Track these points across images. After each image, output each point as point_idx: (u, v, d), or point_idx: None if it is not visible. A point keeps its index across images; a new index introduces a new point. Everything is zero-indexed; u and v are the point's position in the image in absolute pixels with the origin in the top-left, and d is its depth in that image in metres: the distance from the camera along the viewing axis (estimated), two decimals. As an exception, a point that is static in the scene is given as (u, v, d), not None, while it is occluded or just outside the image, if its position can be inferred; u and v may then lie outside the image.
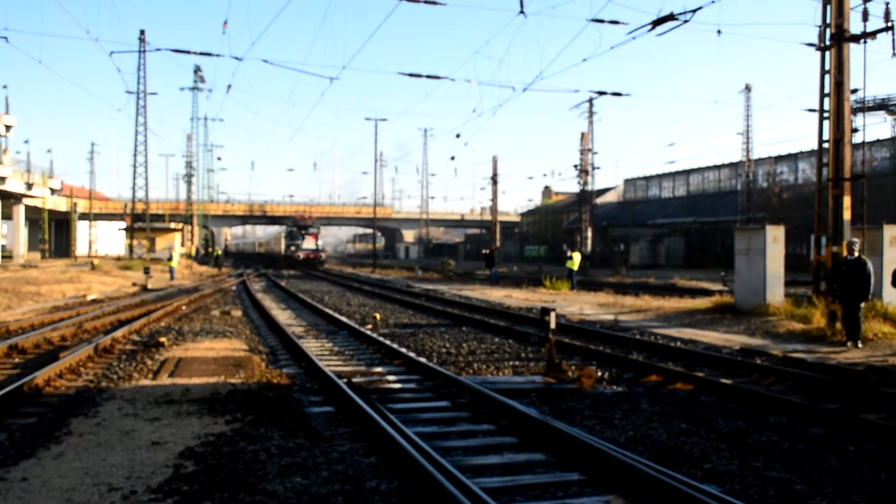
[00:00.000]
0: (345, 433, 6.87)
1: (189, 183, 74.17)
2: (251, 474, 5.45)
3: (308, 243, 63.27)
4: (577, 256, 31.09)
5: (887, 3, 13.74)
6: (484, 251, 44.26)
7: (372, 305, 22.36)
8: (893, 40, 13.76)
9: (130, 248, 58.26)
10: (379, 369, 10.58)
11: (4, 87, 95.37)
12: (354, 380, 9.18)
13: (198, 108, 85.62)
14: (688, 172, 70.02)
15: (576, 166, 52.53)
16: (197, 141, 75.01)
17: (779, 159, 58.57)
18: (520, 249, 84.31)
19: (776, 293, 16.76)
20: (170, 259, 39.30)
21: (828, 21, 14.27)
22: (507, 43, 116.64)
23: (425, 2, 17.06)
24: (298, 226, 64.84)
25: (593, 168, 52.53)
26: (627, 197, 79.45)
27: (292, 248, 63.45)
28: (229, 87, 63.00)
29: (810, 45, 15.11)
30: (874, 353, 11.52)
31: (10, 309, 19.99)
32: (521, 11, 16.19)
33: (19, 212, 60.30)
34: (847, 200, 14.07)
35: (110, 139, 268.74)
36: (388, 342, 12.74)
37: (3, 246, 65.03)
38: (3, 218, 59.80)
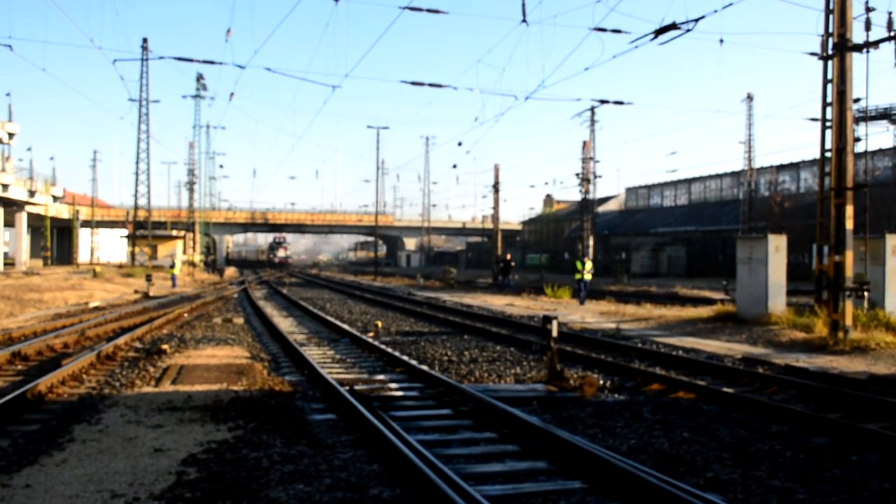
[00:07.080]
0: (347, 441, 6.87)
1: (191, 190, 74.23)
2: (254, 481, 5.46)
3: (281, 252, 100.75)
4: (588, 264, 26.49)
5: (890, 13, 13.79)
6: (500, 260, 42.60)
7: (373, 313, 22.36)
8: None
9: (132, 255, 58.27)
10: (381, 377, 10.58)
11: (8, 94, 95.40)
12: (356, 387, 9.18)
13: (200, 115, 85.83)
14: (689, 181, 70.10)
15: (577, 175, 52.46)
16: (199, 148, 74.96)
17: (781, 168, 58.63)
18: (521, 258, 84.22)
19: (778, 302, 16.75)
20: (172, 266, 39.39)
21: (830, 30, 14.31)
22: (510, 51, 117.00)
23: (428, 10, 17.13)
24: (276, 241, 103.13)
25: (595, 177, 52.43)
26: (629, 205, 79.54)
27: (271, 255, 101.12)
28: (232, 94, 63.28)
29: (812, 54, 15.20)
30: (876, 362, 11.50)
31: (12, 316, 20.02)
32: (524, 20, 16.25)
33: (22, 219, 60.46)
34: (849, 210, 14.06)
35: (113, 147, 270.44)
36: (389, 350, 12.73)
37: (6, 253, 65.02)
38: (5, 225, 59.85)
